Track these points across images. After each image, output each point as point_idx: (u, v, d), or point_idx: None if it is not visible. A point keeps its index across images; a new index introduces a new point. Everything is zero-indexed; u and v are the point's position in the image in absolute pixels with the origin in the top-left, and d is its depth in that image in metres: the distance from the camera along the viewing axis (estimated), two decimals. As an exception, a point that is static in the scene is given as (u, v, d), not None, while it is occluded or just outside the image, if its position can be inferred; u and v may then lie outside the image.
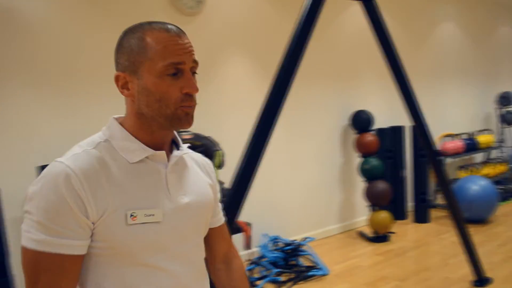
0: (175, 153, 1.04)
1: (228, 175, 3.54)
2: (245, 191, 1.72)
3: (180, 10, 3.61)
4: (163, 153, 0.99)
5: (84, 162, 0.89)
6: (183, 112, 0.94)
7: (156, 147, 0.99)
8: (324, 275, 3.65)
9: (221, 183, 3.34)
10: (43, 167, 2.82)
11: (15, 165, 2.90)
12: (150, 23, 0.96)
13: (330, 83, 4.77)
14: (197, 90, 0.95)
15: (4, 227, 2.63)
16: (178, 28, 0.97)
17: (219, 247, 1.24)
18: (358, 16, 4.95)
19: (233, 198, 1.69)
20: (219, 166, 3.27)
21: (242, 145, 3.89)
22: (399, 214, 5.21)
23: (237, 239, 3.37)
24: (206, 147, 3.27)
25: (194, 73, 0.97)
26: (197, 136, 3.27)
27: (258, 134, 1.74)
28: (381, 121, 5.18)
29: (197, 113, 3.47)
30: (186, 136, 3.18)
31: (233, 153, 3.75)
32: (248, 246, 3.24)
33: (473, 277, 3.32)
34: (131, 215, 0.90)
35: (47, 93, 3.04)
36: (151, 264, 0.94)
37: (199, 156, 1.20)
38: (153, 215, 0.93)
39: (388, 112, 5.36)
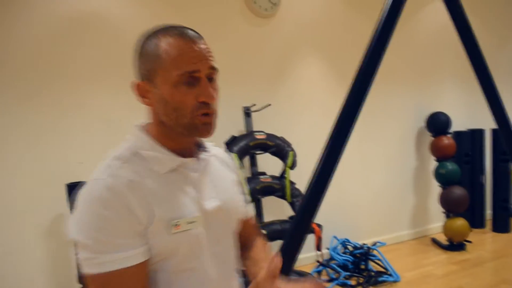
0: (202, 156, 1.04)
1: (299, 175, 3.55)
2: (322, 194, 1.72)
3: (255, 12, 3.67)
4: (191, 160, 1.00)
5: (124, 177, 0.89)
6: (201, 121, 0.92)
7: (184, 152, 0.99)
8: (395, 281, 3.55)
9: (292, 183, 3.36)
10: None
11: (100, 160, 3.09)
12: (165, 28, 0.93)
13: (405, 83, 4.63)
14: (213, 98, 0.92)
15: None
16: (195, 32, 0.94)
17: (243, 237, 1.22)
18: (434, 14, 4.77)
19: (310, 200, 1.70)
20: (292, 166, 3.29)
21: (314, 145, 3.87)
22: (476, 222, 4.94)
23: (308, 240, 3.37)
24: (278, 148, 3.31)
25: (211, 78, 0.94)
26: (270, 137, 3.31)
27: (336, 137, 1.72)
28: (459, 124, 4.94)
29: (270, 113, 3.52)
30: (260, 136, 3.23)
31: (305, 153, 3.76)
32: (318, 247, 3.23)
33: (561, 294, 3.10)
34: (175, 224, 0.91)
35: (133, 94, 3.21)
36: (193, 268, 0.96)
37: (220, 152, 1.19)
38: (194, 222, 0.94)
39: (467, 114, 5.10)
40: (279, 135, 3.45)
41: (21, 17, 2.82)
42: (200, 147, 1.08)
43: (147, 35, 0.95)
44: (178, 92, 0.90)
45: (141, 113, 3.42)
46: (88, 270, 0.84)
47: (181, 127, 0.93)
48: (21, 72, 2.84)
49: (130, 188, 0.87)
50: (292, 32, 3.92)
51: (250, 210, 1.28)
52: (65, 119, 2.98)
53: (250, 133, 3.29)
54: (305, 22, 3.99)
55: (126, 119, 3.18)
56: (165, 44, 0.90)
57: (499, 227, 4.82)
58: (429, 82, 4.82)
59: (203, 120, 0.93)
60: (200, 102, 0.91)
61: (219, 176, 1.09)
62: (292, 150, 3.36)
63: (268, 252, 1.27)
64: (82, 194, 0.89)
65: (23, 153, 2.86)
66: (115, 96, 3.15)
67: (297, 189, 3.35)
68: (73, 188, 2.75)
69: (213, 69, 0.93)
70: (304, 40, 3.99)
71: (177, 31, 0.92)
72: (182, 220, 0.92)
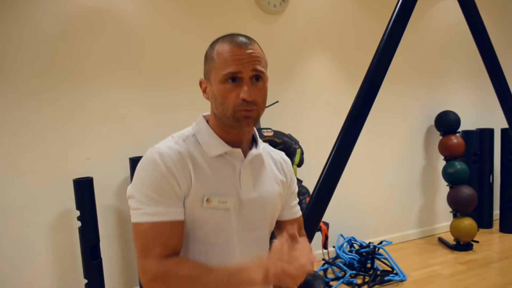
0: (252, 151, 1.18)
1: (307, 173, 3.53)
2: (330, 194, 1.71)
3: (264, 8, 3.64)
4: (239, 150, 1.14)
5: (176, 150, 1.06)
6: (242, 115, 1.06)
7: (234, 143, 1.14)
8: (401, 281, 3.53)
9: (299, 181, 3.34)
10: (133, 159, 2.98)
11: (108, 157, 3.09)
12: (225, 35, 1.10)
13: (414, 82, 4.59)
14: (250, 97, 1.05)
15: (96, 214, 2.82)
16: (247, 38, 1.09)
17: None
18: (445, 12, 4.72)
19: (318, 200, 1.69)
20: (299, 164, 3.27)
21: (322, 143, 3.86)
22: (484, 222, 4.91)
23: (315, 238, 3.36)
24: (286, 145, 3.29)
25: (258, 78, 1.08)
26: (277, 134, 3.29)
27: (346, 136, 1.72)
28: (468, 123, 4.90)
29: (278, 111, 3.50)
30: (267, 133, 3.22)
31: (313, 151, 3.74)
32: (325, 246, 3.22)
33: None
34: (207, 200, 1.06)
35: (140, 91, 3.20)
36: (218, 244, 1.10)
37: (277, 154, 1.33)
38: (225, 202, 1.08)
39: (476, 113, 5.06)
40: (286, 132, 3.43)
41: (26, 14, 2.82)
42: (253, 142, 1.22)
43: (213, 41, 1.13)
44: (224, 89, 1.06)
45: (147, 109, 3.43)
46: (134, 219, 1.03)
47: (226, 119, 1.08)
48: (26, 68, 2.84)
49: (178, 159, 1.05)
50: (301, 29, 3.89)
51: (297, 211, 1.36)
52: (72, 115, 2.98)
53: (257, 130, 3.27)
54: (315, 19, 3.96)
55: (132, 115, 3.18)
56: (219, 48, 1.08)
57: (507, 227, 4.79)
58: (438, 80, 4.77)
59: (244, 114, 1.06)
60: (241, 99, 1.05)
61: (265, 172, 1.22)
62: (300, 147, 3.34)
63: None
64: (144, 158, 1.07)
65: (30, 149, 2.86)
66: (122, 92, 3.14)
67: (304, 187, 3.33)
68: (80, 184, 2.75)
69: (256, 71, 1.07)
70: (313, 38, 3.97)
71: (231, 38, 1.08)
72: (214, 197, 1.07)
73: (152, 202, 1.01)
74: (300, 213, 1.37)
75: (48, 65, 2.89)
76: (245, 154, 1.16)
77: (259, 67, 1.07)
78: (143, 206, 1.02)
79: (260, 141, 1.24)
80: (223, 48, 1.07)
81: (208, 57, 1.11)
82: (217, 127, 1.14)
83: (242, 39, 1.08)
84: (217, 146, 1.12)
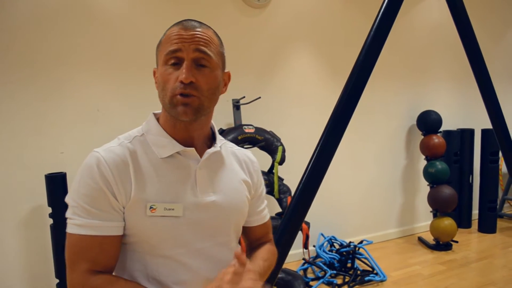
0: (209, 149, 1.07)
1: (288, 171, 3.48)
2: (313, 193, 1.65)
3: (247, 1, 3.56)
4: (193, 150, 1.03)
5: (116, 153, 0.96)
6: (179, 101, 0.95)
7: (186, 142, 1.03)
8: (382, 281, 3.51)
9: (280, 179, 3.28)
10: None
11: (83, 151, 2.97)
12: (177, 22, 1.01)
13: (396, 81, 4.57)
14: (186, 79, 0.93)
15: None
16: (199, 23, 1.00)
17: (255, 237, 1.25)
18: (429, 11, 4.72)
19: (301, 199, 1.63)
20: (280, 162, 3.20)
21: (303, 141, 3.81)
22: (462, 221, 4.94)
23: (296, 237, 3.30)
24: (267, 142, 3.22)
25: (201, 65, 0.97)
26: (259, 130, 3.22)
27: (331, 134, 1.66)
28: (449, 123, 4.92)
29: (260, 107, 3.40)
30: (248, 130, 3.15)
31: (295, 149, 3.68)
32: (305, 245, 3.17)
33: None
34: (151, 207, 0.94)
35: (116, 83, 3.09)
36: (170, 257, 0.97)
37: (242, 153, 1.21)
38: (173, 209, 0.96)
39: (457, 114, 5.08)
40: (268, 129, 3.37)
41: (5, 3, 2.69)
42: (211, 141, 1.12)
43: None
44: (165, 71, 0.97)
45: (124, 101, 3.30)
46: (68, 229, 0.94)
47: (166, 106, 0.98)
48: (1, 58, 2.71)
49: (116, 165, 0.94)
50: (285, 24, 3.82)
51: (266, 215, 1.26)
52: (46, 106, 2.86)
53: (238, 127, 3.20)
54: (299, 14, 3.89)
55: (108, 108, 3.07)
56: (167, 32, 1.00)
57: (485, 227, 4.82)
58: (420, 80, 4.77)
59: (181, 100, 0.95)
60: (179, 82, 0.95)
61: (226, 173, 1.10)
62: (281, 145, 3.28)
63: (273, 256, 1.23)
64: (83, 162, 0.98)
65: (2, 141, 2.73)
66: (98, 84, 3.03)
67: (285, 185, 3.27)
68: (52, 179, 2.63)
69: (200, 52, 0.96)
70: (297, 33, 3.90)
71: (182, 22, 1.00)
72: (158, 204, 0.95)
73: (84, 213, 0.92)
74: (268, 217, 1.27)
75: (22, 54, 2.76)
76: (202, 153, 1.05)
77: (203, 48, 0.97)
78: (75, 216, 0.92)
79: (220, 137, 1.13)
80: (171, 30, 0.99)
81: (158, 44, 1.03)
82: (167, 124, 1.03)
83: (193, 22, 1.00)
84: (167, 146, 1.00)
